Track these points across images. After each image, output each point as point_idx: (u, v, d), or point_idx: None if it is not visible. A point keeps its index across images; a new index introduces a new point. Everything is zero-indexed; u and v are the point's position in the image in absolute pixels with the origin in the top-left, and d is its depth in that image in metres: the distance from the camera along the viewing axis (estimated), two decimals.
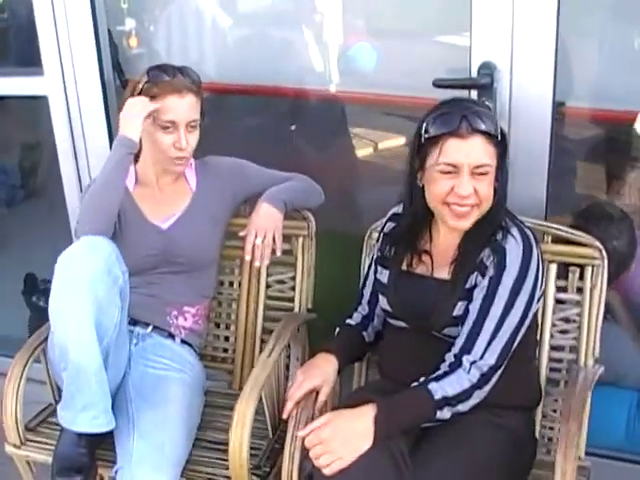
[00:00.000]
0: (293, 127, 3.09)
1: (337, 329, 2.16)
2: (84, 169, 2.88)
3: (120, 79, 2.88)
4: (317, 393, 2.01)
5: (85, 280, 1.98)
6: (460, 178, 1.80)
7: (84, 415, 2.03)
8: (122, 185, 2.20)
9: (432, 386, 1.79)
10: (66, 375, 2.03)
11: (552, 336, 2.14)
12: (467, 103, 1.88)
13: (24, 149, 4.29)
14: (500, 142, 1.83)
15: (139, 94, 2.21)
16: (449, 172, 1.81)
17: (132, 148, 2.18)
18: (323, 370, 2.02)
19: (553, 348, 2.15)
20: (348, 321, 2.16)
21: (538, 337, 2.11)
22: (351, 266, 2.32)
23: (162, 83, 2.19)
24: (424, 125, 1.84)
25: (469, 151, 1.80)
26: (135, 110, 2.17)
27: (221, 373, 2.56)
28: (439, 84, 2.22)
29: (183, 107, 2.20)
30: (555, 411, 2.16)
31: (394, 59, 2.82)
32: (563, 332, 2.15)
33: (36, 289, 3.51)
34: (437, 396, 1.77)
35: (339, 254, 2.64)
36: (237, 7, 3.14)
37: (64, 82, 2.77)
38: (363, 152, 3.27)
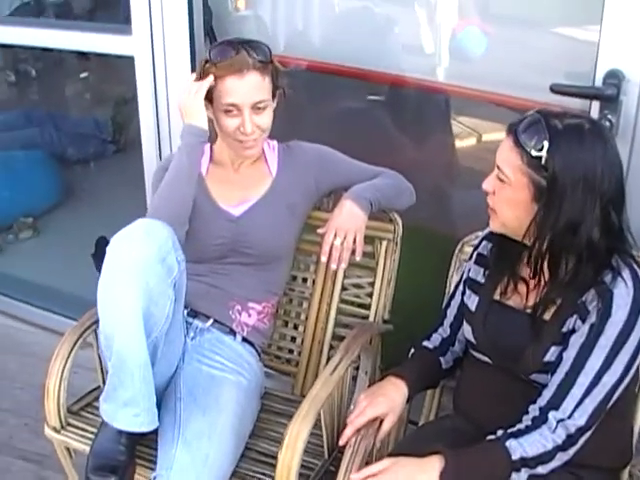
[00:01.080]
0: (389, 114, 2.86)
1: (412, 350, 1.95)
2: (165, 138, 2.75)
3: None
4: (381, 421, 1.80)
5: (136, 268, 1.81)
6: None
7: (125, 411, 1.88)
8: (194, 175, 2.06)
9: (510, 443, 1.55)
10: (111, 365, 1.88)
11: None
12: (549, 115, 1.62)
13: (117, 104, 4.26)
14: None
15: (200, 77, 2.03)
16: None
17: (202, 136, 2.03)
18: (390, 398, 1.80)
19: None
20: (425, 343, 1.95)
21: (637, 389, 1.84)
22: (439, 273, 2.11)
23: (221, 63, 2.00)
24: None
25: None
26: (190, 95, 2.01)
27: (283, 375, 2.38)
28: (557, 90, 1.97)
29: (245, 88, 2.00)
30: None
31: (506, 49, 2.56)
32: None
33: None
34: (515, 456, 1.54)
35: (427, 256, 2.44)
36: None
37: (152, 44, 2.64)
38: (465, 143, 3.02)
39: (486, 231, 1.88)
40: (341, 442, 1.78)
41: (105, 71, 4.09)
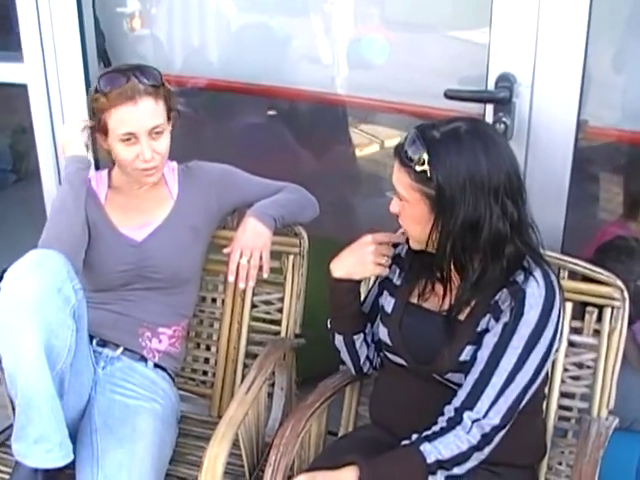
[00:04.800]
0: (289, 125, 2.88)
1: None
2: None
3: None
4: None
5: (32, 301, 1.77)
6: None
7: (37, 448, 1.83)
8: (81, 204, 2.03)
9: (425, 447, 1.57)
10: (17, 404, 1.83)
11: (563, 382, 1.93)
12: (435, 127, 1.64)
13: (16, 132, 4.15)
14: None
15: (92, 110, 2.01)
16: None
17: (82, 162, 2.02)
18: None
19: (563, 395, 1.94)
20: None
21: (548, 384, 1.89)
22: None
23: (111, 92, 1.96)
24: None
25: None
26: (72, 126, 2.05)
27: (198, 397, 2.36)
28: (451, 95, 2.00)
29: (139, 115, 1.96)
30: (561, 464, 1.94)
31: (405, 56, 2.60)
32: (575, 378, 1.93)
33: None
34: (430, 459, 1.56)
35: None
36: None
37: (45, 71, 2.59)
38: (368, 150, 3.05)
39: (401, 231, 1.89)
40: None
41: (1, 98, 3.99)
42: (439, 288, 1.73)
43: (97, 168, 2.31)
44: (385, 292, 1.86)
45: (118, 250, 2.08)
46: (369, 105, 2.72)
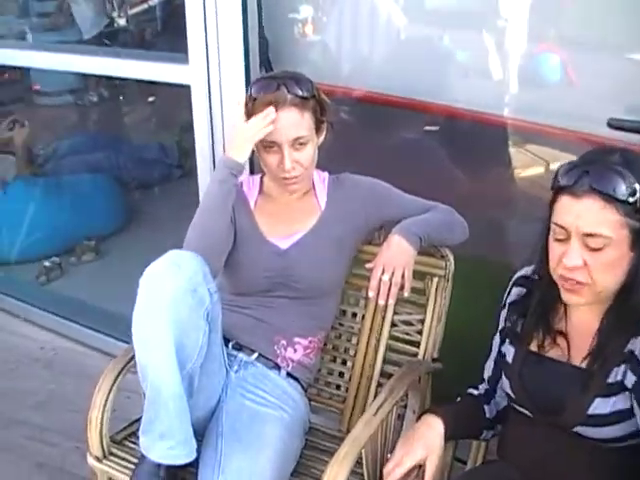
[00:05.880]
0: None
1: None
2: None
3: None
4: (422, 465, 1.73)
5: (166, 300, 1.80)
6: (569, 245, 1.48)
7: (161, 444, 1.87)
8: (227, 207, 2.04)
9: None
10: (146, 397, 1.87)
11: None
12: (606, 157, 1.52)
13: (183, 129, 4.28)
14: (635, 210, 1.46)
15: (246, 112, 2.01)
16: (561, 239, 1.50)
17: (236, 170, 2.02)
18: (426, 439, 1.71)
19: None
20: (471, 390, 1.87)
21: None
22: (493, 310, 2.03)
23: (260, 99, 1.98)
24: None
25: (581, 213, 1.46)
26: (249, 135, 1.99)
27: (329, 410, 2.33)
28: (615, 125, 1.88)
29: (281, 125, 1.97)
30: None
31: (576, 75, 2.47)
32: None
33: None
34: None
35: (483, 291, 2.34)
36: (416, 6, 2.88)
37: (208, 74, 2.64)
38: (530, 172, 2.91)
39: (516, 277, 1.79)
40: None
41: (171, 96, 4.13)
42: (561, 340, 1.63)
43: (252, 172, 2.33)
44: (507, 340, 1.77)
45: (263, 256, 2.09)
46: (532, 129, 2.60)
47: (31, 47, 3.45)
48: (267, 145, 2.00)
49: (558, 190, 1.51)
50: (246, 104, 2.02)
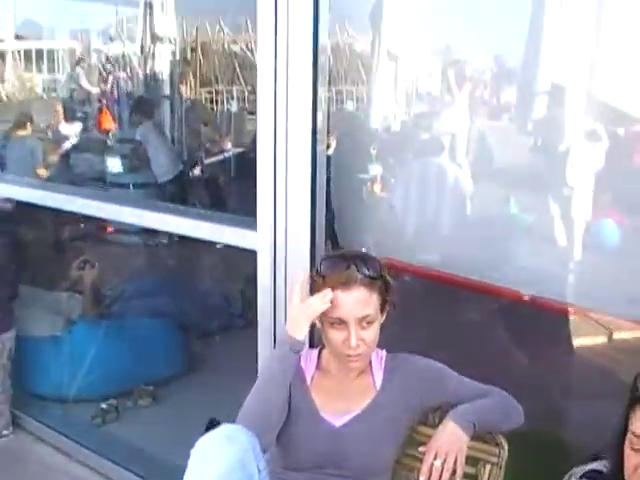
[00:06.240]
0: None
1: None
2: (281, 324, 2.74)
3: (333, 247, 2.76)
4: None
5: (217, 473, 1.83)
6: None
7: None
8: (286, 383, 2.07)
9: None
10: None
11: None
12: None
13: (247, 280, 4.36)
14: None
15: (311, 287, 2.08)
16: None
17: (296, 347, 2.05)
18: None
19: None
20: None
21: None
22: None
23: (329, 277, 2.04)
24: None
25: None
26: (305, 313, 2.05)
27: None
28: None
29: (351, 303, 2.02)
30: None
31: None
32: None
33: None
34: None
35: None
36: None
37: (275, 244, 2.71)
38: (592, 341, 2.87)
39: (586, 469, 1.77)
40: None
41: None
42: None
43: (311, 345, 2.36)
44: None
45: (315, 433, 2.10)
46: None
47: (109, 200, 3.59)
48: (333, 321, 2.04)
49: (637, 400, 1.52)
50: (315, 280, 2.08)
